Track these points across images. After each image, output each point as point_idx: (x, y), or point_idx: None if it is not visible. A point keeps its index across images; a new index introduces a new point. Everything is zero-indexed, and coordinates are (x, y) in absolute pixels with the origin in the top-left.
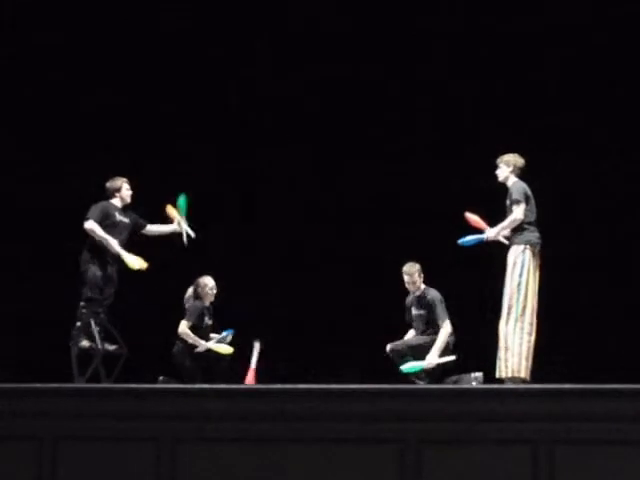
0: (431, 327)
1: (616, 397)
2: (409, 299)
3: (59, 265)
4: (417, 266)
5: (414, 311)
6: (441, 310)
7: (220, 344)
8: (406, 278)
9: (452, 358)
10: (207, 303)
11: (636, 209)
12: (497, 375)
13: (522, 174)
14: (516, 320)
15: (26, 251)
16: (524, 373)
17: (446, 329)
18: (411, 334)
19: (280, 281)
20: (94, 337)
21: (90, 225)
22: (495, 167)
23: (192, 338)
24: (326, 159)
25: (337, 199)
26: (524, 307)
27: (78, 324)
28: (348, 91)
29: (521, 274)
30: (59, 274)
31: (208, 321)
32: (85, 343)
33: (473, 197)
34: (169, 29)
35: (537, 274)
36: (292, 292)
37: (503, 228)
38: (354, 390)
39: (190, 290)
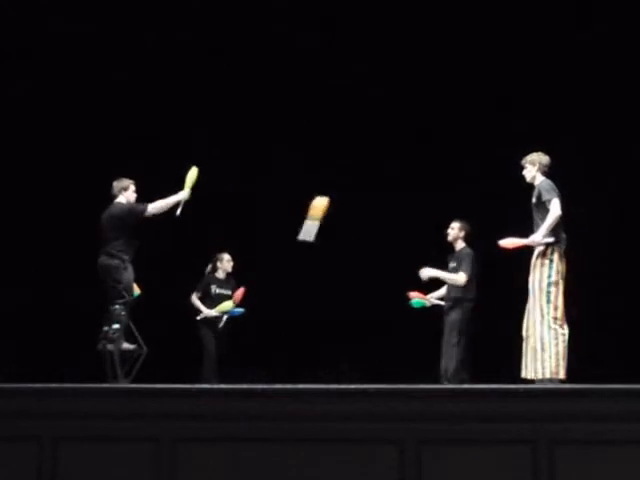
0: None
1: (616, 397)
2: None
3: (59, 265)
4: None
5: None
6: None
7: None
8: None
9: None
10: (221, 275)
11: None
12: (530, 376)
13: (548, 172)
14: (549, 321)
15: (26, 252)
16: (562, 373)
17: None
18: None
19: (278, 280)
20: (136, 338)
21: (152, 207)
22: (522, 168)
23: (195, 306)
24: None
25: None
26: (556, 307)
27: (116, 326)
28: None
29: (550, 275)
30: (59, 274)
31: (217, 290)
32: (127, 345)
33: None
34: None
35: (564, 274)
36: (291, 292)
37: (548, 227)
38: (354, 390)
39: (209, 266)
